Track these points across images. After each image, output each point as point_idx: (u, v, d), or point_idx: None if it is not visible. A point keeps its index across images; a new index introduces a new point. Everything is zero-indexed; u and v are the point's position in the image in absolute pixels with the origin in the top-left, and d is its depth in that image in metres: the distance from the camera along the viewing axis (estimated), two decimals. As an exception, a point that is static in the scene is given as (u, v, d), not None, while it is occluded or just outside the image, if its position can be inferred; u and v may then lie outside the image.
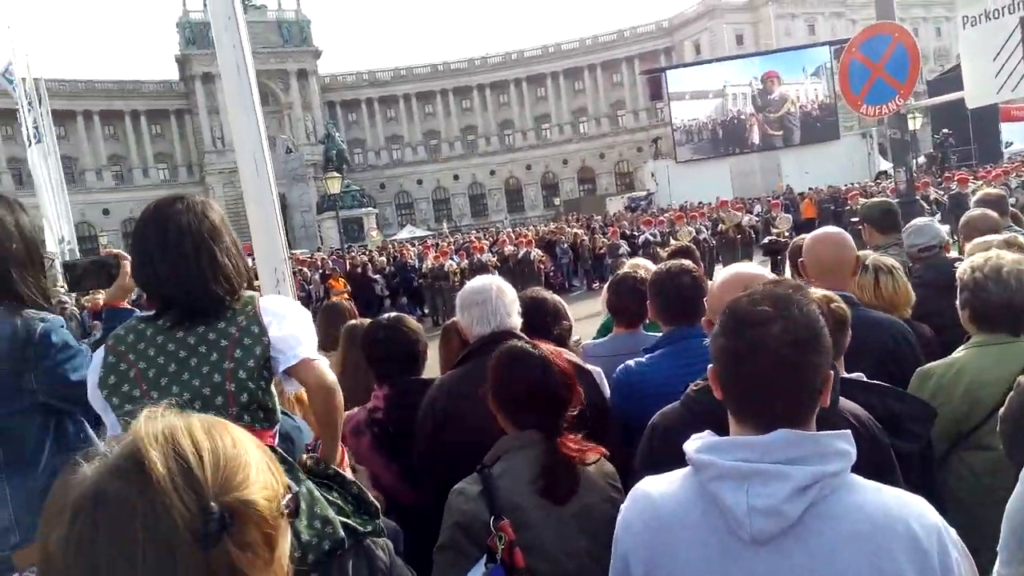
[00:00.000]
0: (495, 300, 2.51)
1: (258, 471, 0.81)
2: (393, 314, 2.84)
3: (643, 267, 3.44)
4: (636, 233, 17.55)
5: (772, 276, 2.03)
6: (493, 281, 2.59)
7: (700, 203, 32.83)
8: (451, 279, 17.37)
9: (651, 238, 16.85)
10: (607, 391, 2.70)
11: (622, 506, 1.45)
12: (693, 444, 1.33)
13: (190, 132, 67.48)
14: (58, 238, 22.32)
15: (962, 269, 2.56)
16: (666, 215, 24.85)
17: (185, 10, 63.74)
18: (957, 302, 2.57)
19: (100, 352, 1.85)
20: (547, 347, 2.10)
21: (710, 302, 2.04)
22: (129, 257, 2.07)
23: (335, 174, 24.43)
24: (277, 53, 66.68)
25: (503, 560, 1.80)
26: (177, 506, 0.73)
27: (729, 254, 16.63)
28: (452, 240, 31.28)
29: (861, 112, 4.79)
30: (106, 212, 62.82)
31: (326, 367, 1.93)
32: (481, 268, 17.69)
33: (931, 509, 1.25)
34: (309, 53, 68.57)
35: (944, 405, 2.46)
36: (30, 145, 19.52)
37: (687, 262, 2.84)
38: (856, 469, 1.71)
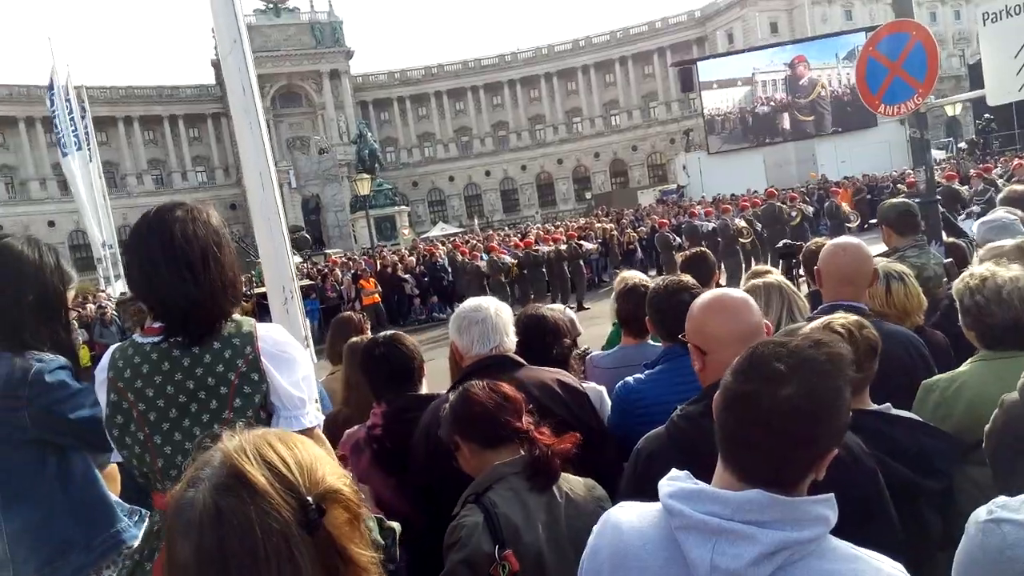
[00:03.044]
0: (494, 319, 2.52)
1: (327, 463, 0.97)
2: (390, 332, 2.86)
3: (644, 280, 3.44)
4: (700, 222, 16.85)
5: (755, 305, 1.98)
6: (490, 301, 2.61)
7: (734, 195, 32.37)
8: (512, 272, 17.31)
9: (724, 226, 16.00)
10: (608, 409, 2.70)
11: (594, 528, 1.42)
12: (667, 487, 1.29)
13: (226, 135, 68.69)
14: (100, 242, 22.99)
15: (958, 290, 2.49)
16: (698, 207, 24.52)
17: (219, 15, 64.79)
18: (961, 322, 2.51)
19: (103, 386, 1.83)
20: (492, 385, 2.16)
21: (689, 323, 1.99)
22: None
23: (365, 175, 24.59)
24: (310, 55, 67.50)
25: None
26: (282, 505, 0.88)
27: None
28: (484, 237, 31.33)
29: (879, 112, 4.69)
30: (147, 215, 64.25)
31: (323, 439, 1.95)
32: (535, 261, 17.56)
33: None
34: (341, 54, 69.23)
35: (946, 419, 2.43)
36: (64, 155, 19.95)
37: (686, 278, 2.82)
38: (844, 500, 1.70)
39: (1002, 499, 0.92)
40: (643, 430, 2.10)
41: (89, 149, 22.54)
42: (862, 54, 4.73)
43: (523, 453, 2.04)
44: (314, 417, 1.89)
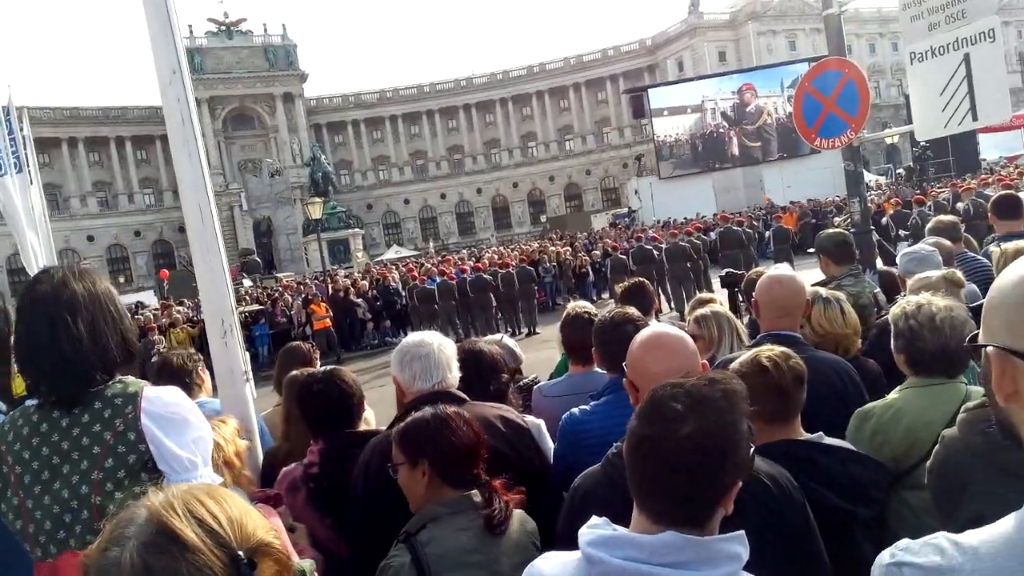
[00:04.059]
0: (437, 354, 2.50)
1: (255, 516, 0.96)
2: (329, 367, 2.81)
3: (595, 310, 3.47)
4: (650, 246, 17.40)
5: (690, 341, 2.02)
6: (433, 336, 2.58)
7: (687, 218, 33.08)
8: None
9: (673, 248, 16.32)
10: (549, 444, 2.70)
11: None
12: (586, 535, 1.31)
13: (175, 157, 67.42)
14: (36, 268, 22.23)
15: (894, 314, 2.58)
16: (651, 230, 24.92)
17: (169, 35, 63.86)
18: (892, 345, 2.60)
19: None
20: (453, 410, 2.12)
21: (629, 360, 2.02)
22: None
23: (317, 199, 24.35)
24: (263, 77, 66.87)
25: None
26: (214, 561, 0.87)
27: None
28: (440, 260, 31.29)
29: (815, 145, 4.86)
30: (91, 238, 62.53)
31: None
32: (482, 284, 17.63)
33: None
34: (295, 77, 68.75)
35: (884, 446, 2.49)
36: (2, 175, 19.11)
37: (631, 310, 2.85)
38: (772, 533, 1.73)
39: (904, 542, 0.95)
40: (590, 461, 2.11)
41: (30, 171, 21.85)
42: (798, 89, 4.91)
43: (474, 497, 2.02)
44: (208, 480, 1.85)
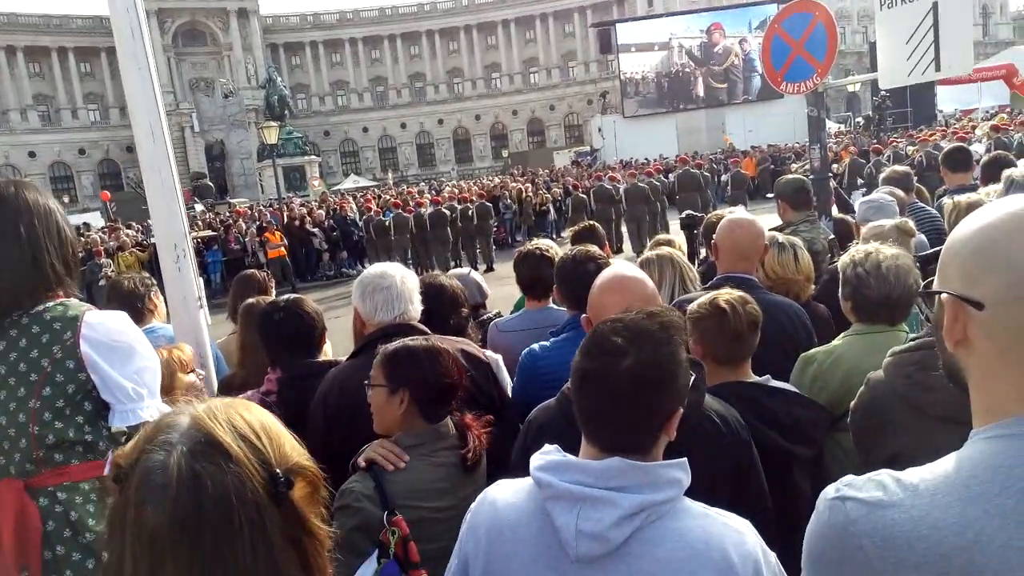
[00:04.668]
0: (399, 286, 2.48)
1: (290, 438, 0.98)
2: (291, 296, 2.77)
3: (546, 246, 3.48)
4: (609, 186, 17.45)
5: (649, 282, 2.04)
6: (396, 268, 2.56)
7: (647, 159, 33.10)
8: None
9: (632, 189, 16.32)
10: (507, 378, 2.73)
11: (471, 506, 1.49)
12: (537, 460, 1.37)
13: (122, 72, 64.36)
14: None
15: (843, 262, 2.64)
16: (611, 171, 24.89)
17: (114, -60, 60.05)
18: (839, 293, 2.67)
19: None
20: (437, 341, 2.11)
21: (590, 301, 2.05)
22: None
23: (272, 123, 23.50)
24: (215, -10, 63.73)
25: (396, 555, 1.80)
26: (256, 476, 0.88)
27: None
28: (398, 192, 30.84)
29: (781, 89, 4.86)
30: (32, 155, 59.92)
31: None
32: (441, 219, 17.50)
33: (753, 536, 1.30)
34: (250, -9, 65.71)
35: (823, 390, 2.59)
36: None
37: (592, 248, 2.86)
38: (719, 468, 1.80)
39: (848, 478, 0.99)
40: (548, 396, 2.14)
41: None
42: (768, 31, 4.88)
43: (441, 428, 2.04)
44: (154, 411, 1.78)
